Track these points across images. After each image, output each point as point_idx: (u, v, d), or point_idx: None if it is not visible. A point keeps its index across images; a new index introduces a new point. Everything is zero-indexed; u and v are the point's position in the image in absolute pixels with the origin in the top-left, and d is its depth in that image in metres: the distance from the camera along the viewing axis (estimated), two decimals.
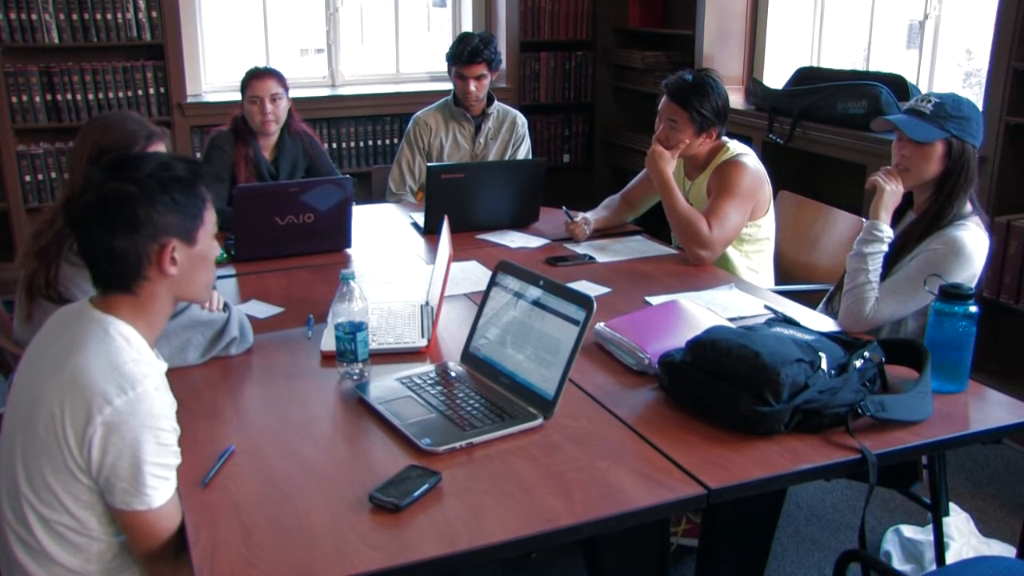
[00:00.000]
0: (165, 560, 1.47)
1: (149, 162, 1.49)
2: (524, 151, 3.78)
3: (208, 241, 1.56)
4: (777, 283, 2.94)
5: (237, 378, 1.97)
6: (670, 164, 2.78)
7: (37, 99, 4.41)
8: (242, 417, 1.80)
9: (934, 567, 2.38)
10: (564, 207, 3.07)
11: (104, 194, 1.44)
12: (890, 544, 2.59)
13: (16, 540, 1.48)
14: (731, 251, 2.81)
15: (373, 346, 2.00)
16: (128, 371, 1.41)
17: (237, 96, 3.37)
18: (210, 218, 1.56)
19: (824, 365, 1.71)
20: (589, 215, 3.04)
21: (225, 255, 2.78)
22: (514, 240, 3.00)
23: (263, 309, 2.34)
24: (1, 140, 4.37)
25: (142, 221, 1.44)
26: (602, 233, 3.05)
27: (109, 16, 4.41)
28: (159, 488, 1.42)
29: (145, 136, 2.03)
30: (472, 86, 3.61)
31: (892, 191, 2.25)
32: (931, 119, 2.18)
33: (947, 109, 2.18)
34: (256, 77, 3.27)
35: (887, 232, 2.23)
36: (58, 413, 1.40)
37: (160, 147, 2.06)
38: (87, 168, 1.51)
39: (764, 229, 2.86)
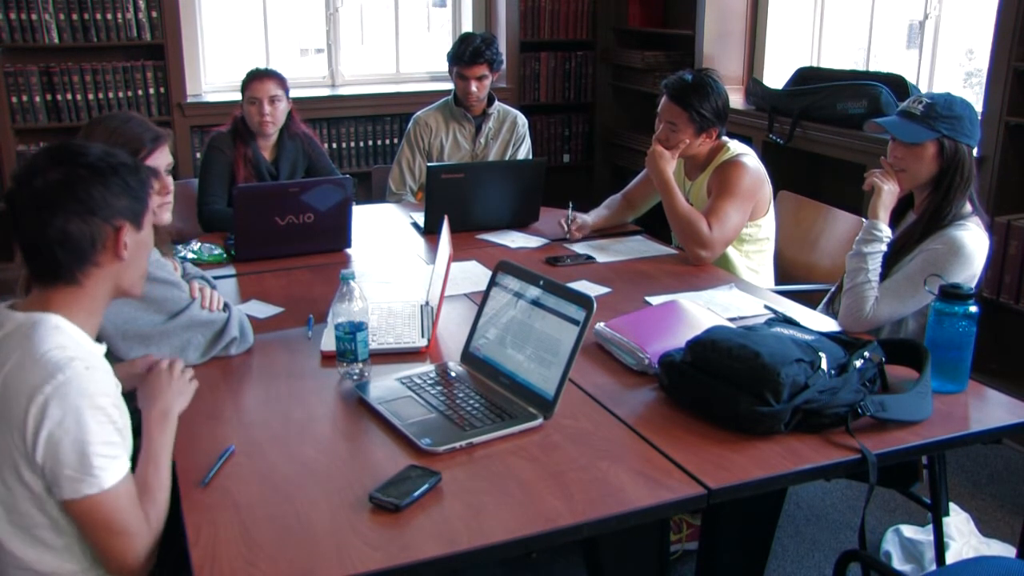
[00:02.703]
0: (135, 559, 1.41)
1: (93, 148, 1.47)
2: (524, 151, 3.78)
3: (150, 228, 1.55)
4: (777, 283, 2.94)
5: (237, 378, 1.97)
6: (670, 164, 2.78)
7: (37, 99, 4.41)
8: (242, 417, 1.80)
9: (934, 567, 2.38)
10: (571, 204, 3.02)
11: (56, 179, 1.41)
12: (890, 544, 2.59)
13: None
14: (731, 251, 2.81)
15: (373, 346, 2.00)
16: (52, 358, 1.37)
17: (237, 96, 3.37)
18: (152, 204, 1.55)
19: (824, 365, 1.71)
20: (589, 216, 3.03)
21: (225, 255, 2.78)
22: (514, 240, 3.00)
23: (263, 309, 2.34)
24: (1, 140, 4.37)
25: (97, 203, 1.43)
26: (602, 233, 3.05)
27: (109, 16, 4.41)
28: (108, 468, 1.37)
29: (151, 139, 2.03)
30: (473, 86, 3.61)
31: (890, 190, 2.25)
32: (921, 120, 2.19)
33: (938, 109, 2.18)
34: (256, 78, 3.27)
35: (886, 232, 2.23)
36: None
37: (165, 149, 2.06)
38: (29, 157, 1.49)
39: (764, 229, 2.86)
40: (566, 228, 2.95)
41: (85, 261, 1.45)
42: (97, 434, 1.36)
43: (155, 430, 1.58)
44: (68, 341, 1.41)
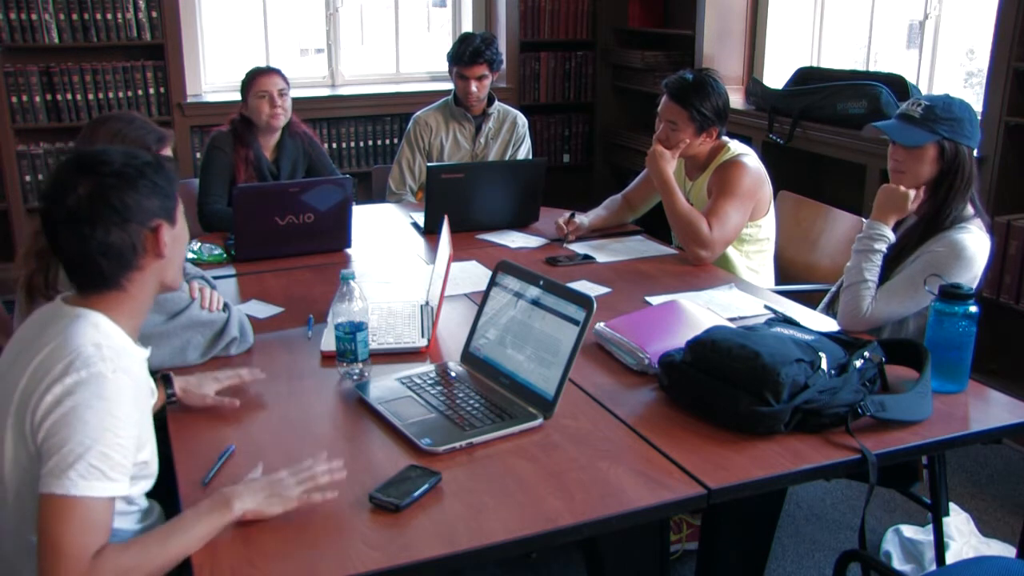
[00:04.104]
0: None
1: (115, 154, 1.48)
2: (524, 151, 3.78)
3: (183, 221, 1.57)
4: (777, 283, 2.94)
5: None
6: (670, 164, 2.78)
7: (37, 99, 4.41)
8: (242, 417, 1.80)
9: (934, 567, 2.38)
10: (574, 213, 3.01)
11: (88, 193, 1.41)
12: (890, 544, 2.59)
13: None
14: (731, 251, 2.81)
15: (373, 346, 2.00)
16: (85, 352, 1.36)
17: (237, 96, 3.37)
18: (179, 198, 1.56)
19: (824, 365, 1.71)
20: (586, 218, 3.02)
21: (225, 255, 2.78)
22: (514, 240, 3.00)
23: (263, 309, 2.34)
24: (1, 140, 4.37)
25: (132, 209, 1.43)
26: (602, 233, 3.05)
27: (109, 16, 4.41)
28: (87, 478, 1.29)
29: (156, 140, 2.03)
30: (473, 86, 3.61)
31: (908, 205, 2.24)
32: (920, 123, 2.18)
33: (937, 112, 2.17)
34: (262, 74, 3.29)
35: (888, 235, 2.23)
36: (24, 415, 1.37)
37: (167, 149, 2.06)
38: (53, 173, 1.48)
39: (764, 229, 2.86)
40: (565, 230, 2.95)
41: (129, 267, 1.46)
42: (95, 439, 1.32)
43: (204, 503, 1.41)
44: (104, 339, 1.41)
